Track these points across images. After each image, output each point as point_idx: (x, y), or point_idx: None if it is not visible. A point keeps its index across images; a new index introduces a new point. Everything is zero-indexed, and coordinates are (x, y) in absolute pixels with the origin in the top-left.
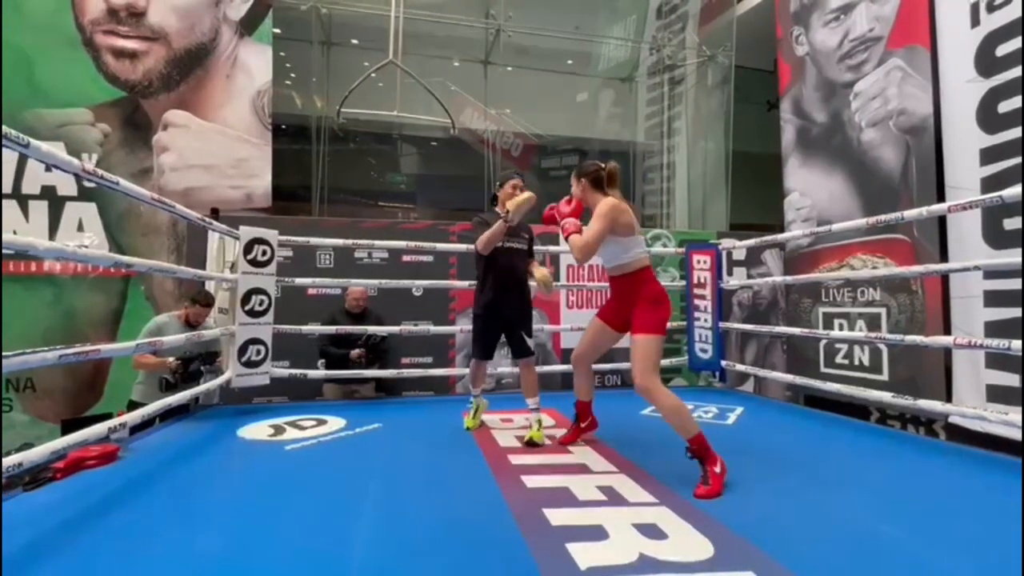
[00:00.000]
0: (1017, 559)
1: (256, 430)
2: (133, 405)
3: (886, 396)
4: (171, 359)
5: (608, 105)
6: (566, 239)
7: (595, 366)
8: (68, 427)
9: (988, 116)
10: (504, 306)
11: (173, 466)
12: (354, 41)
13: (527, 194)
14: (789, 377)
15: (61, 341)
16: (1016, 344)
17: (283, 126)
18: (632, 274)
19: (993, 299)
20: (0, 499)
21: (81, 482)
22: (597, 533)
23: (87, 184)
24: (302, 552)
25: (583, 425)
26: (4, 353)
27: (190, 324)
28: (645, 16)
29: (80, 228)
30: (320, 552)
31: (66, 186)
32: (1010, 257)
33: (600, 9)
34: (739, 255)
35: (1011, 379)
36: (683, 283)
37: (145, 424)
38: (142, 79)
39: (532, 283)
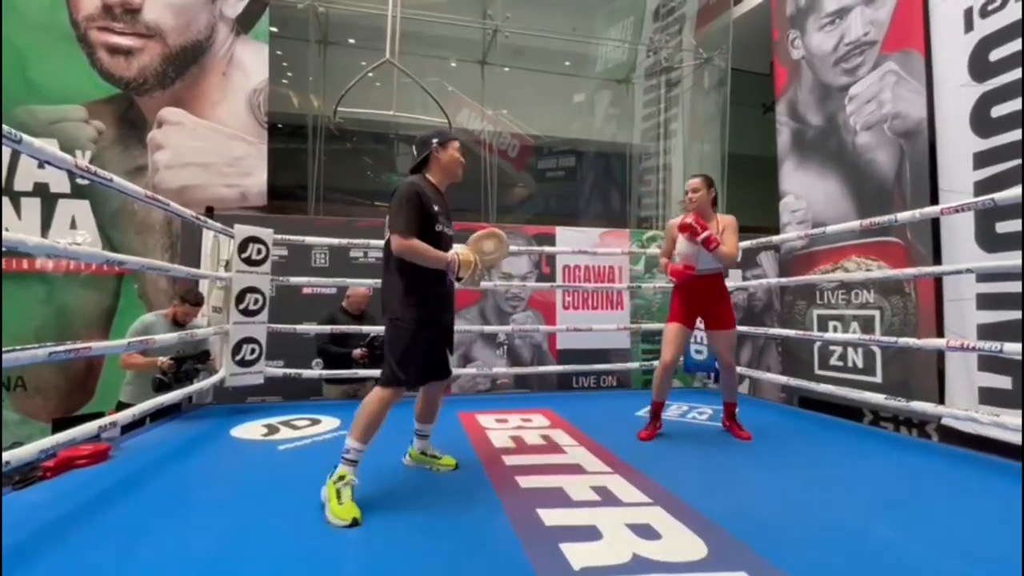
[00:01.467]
0: (1009, 560)
1: (249, 430)
2: (122, 407)
3: (879, 398)
4: (163, 359)
5: (605, 106)
6: (712, 249)
7: (592, 367)
8: (59, 426)
9: (981, 120)
10: (445, 312)
11: (165, 465)
12: (351, 40)
13: (492, 248)
14: (783, 379)
15: (53, 339)
16: (1008, 347)
17: (279, 125)
18: (719, 275)
19: (986, 302)
20: (0, 497)
21: (71, 481)
22: (591, 533)
23: (80, 182)
24: (294, 552)
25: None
26: None
27: (177, 323)
28: (642, 18)
29: (73, 226)
30: (312, 552)
31: (59, 183)
32: (1003, 260)
33: (598, 11)
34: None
35: (1003, 381)
36: None
37: (136, 423)
38: (137, 76)
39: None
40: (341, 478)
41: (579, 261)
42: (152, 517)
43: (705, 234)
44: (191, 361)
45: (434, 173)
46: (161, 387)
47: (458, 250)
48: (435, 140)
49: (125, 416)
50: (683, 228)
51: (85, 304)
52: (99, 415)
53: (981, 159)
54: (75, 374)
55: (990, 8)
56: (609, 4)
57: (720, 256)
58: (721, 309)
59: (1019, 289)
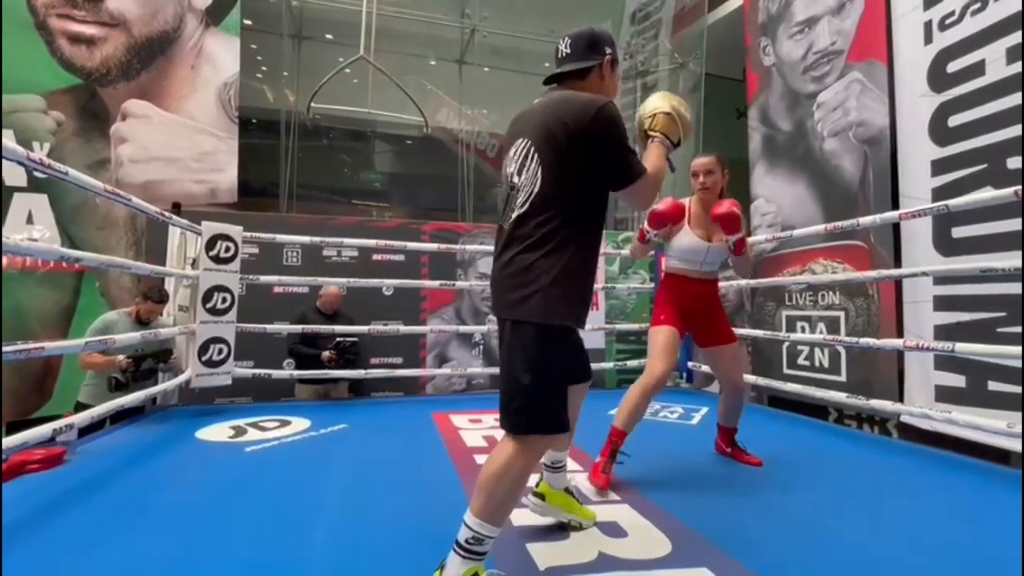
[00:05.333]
0: (961, 549)
1: (215, 432)
2: (81, 407)
3: (841, 396)
4: (121, 357)
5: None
6: (743, 253)
7: None
8: (13, 430)
9: (939, 129)
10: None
11: (123, 469)
12: (328, 36)
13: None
14: (752, 378)
15: (7, 339)
16: (960, 347)
17: (253, 120)
18: (716, 281)
19: (942, 304)
20: (0, 495)
21: (22, 486)
22: (559, 533)
23: (38, 175)
24: (257, 556)
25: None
26: None
27: (141, 321)
28: (620, 21)
29: (30, 221)
30: (276, 555)
31: (15, 176)
32: (957, 264)
33: (575, 14)
34: None
35: (958, 380)
36: (652, 286)
37: (96, 426)
38: (99, 66)
39: None
40: None
41: None
42: (108, 523)
43: (740, 235)
44: (150, 360)
45: (591, 92)
46: (118, 387)
47: (651, 120)
48: (609, 50)
49: (82, 418)
50: (725, 218)
51: (42, 302)
52: (57, 418)
53: (939, 166)
54: (30, 376)
55: (948, 22)
56: (587, 7)
57: (745, 264)
58: (719, 320)
59: (973, 291)
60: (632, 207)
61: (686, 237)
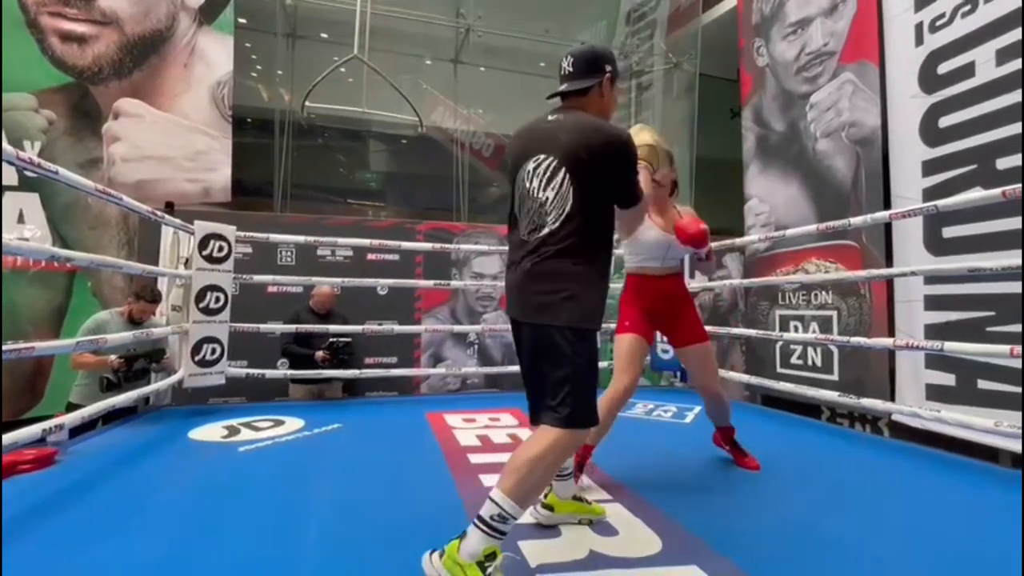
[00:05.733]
0: (951, 545)
1: (208, 432)
2: (72, 408)
3: (832, 395)
4: (113, 357)
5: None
6: (710, 260)
7: None
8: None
9: (930, 130)
10: None
11: (115, 469)
12: (324, 35)
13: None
14: (746, 377)
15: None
16: (949, 345)
17: (248, 119)
18: (680, 275)
19: (933, 303)
20: (0, 495)
21: (12, 487)
22: (550, 531)
23: (29, 174)
24: (249, 556)
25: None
26: None
27: (133, 321)
28: (615, 22)
29: (21, 220)
30: (268, 555)
31: (6, 175)
32: (947, 263)
33: (571, 14)
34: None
35: (948, 379)
36: None
37: (87, 426)
38: (91, 65)
39: None
40: (490, 556)
41: None
42: (99, 523)
43: (709, 247)
44: (142, 360)
45: (590, 109)
46: (110, 387)
47: (638, 142)
48: (609, 67)
49: (73, 418)
50: (695, 239)
51: (34, 302)
52: (48, 418)
53: (929, 167)
54: (22, 376)
55: (938, 24)
56: (583, 7)
57: (709, 269)
58: (688, 318)
59: (963, 291)
60: (625, 225)
61: (651, 232)
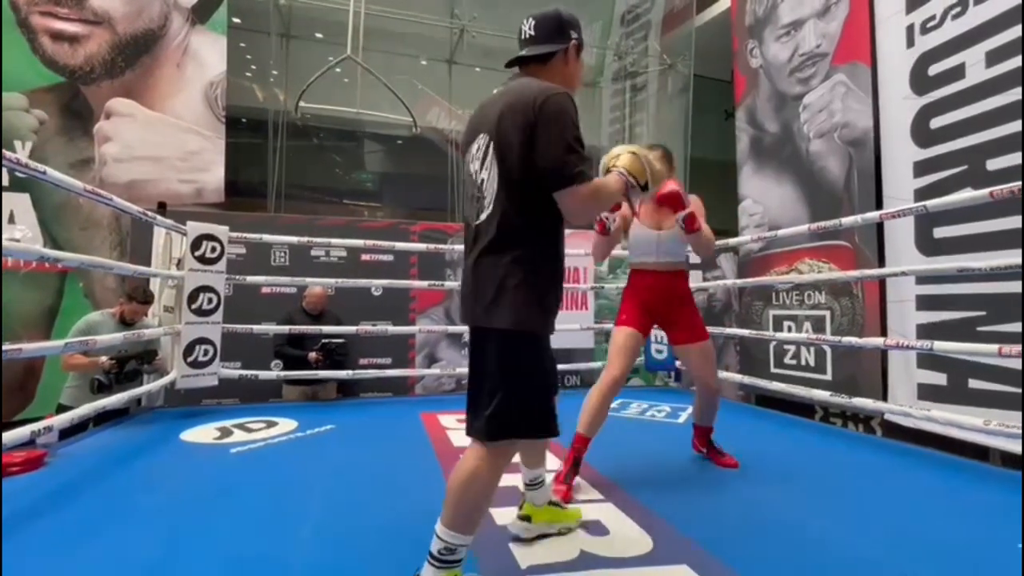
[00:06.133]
0: (941, 547)
1: (201, 433)
2: (62, 409)
3: (824, 395)
4: (104, 358)
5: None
6: (694, 231)
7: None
8: None
9: (921, 131)
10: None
11: (104, 471)
12: (319, 35)
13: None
14: (739, 377)
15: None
16: (938, 345)
17: (242, 119)
18: (682, 272)
19: (924, 303)
20: (0, 494)
21: None
22: None
23: (19, 174)
24: (238, 557)
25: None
26: None
27: (125, 322)
28: (610, 23)
29: (12, 220)
30: (258, 556)
31: None
32: (938, 264)
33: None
34: (695, 258)
35: (939, 378)
36: None
37: (78, 428)
38: (83, 64)
39: None
40: None
41: None
42: (88, 525)
43: (688, 210)
44: (134, 361)
45: (554, 79)
46: (100, 388)
47: (614, 159)
48: (575, 34)
49: (63, 420)
50: (668, 198)
51: (25, 303)
52: (38, 420)
53: (921, 168)
54: (12, 377)
55: (929, 25)
56: (577, 9)
57: (700, 241)
58: (687, 315)
59: (954, 291)
60: (565, 215)
61: (638, 229)
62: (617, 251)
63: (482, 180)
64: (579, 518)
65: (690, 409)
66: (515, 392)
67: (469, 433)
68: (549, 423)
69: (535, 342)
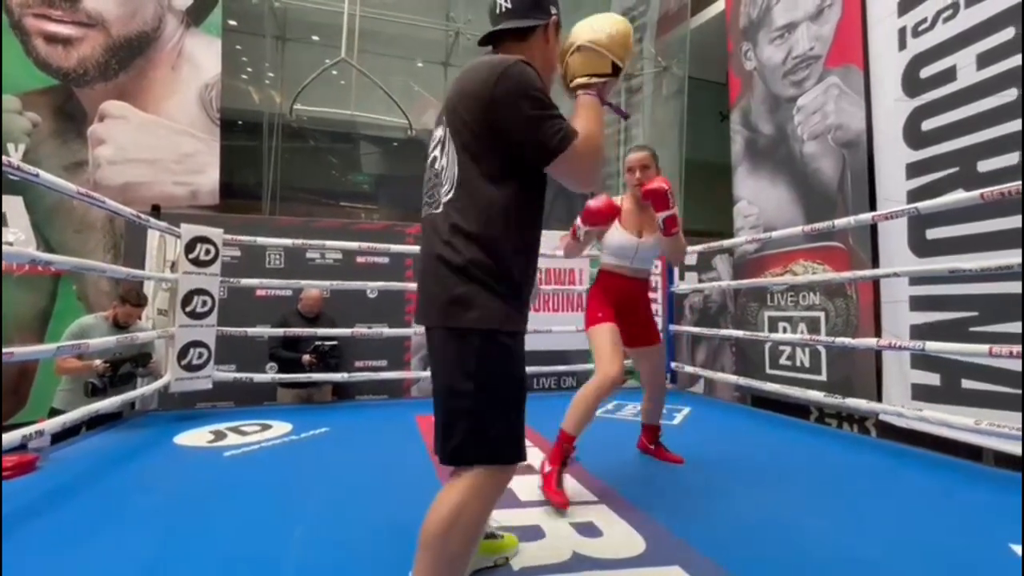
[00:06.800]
0: (934, 547)
1: (194, 436)
2: (55, 413)
3: (819, 395)
4: (98, 362)
5: (569, 111)
6: (673, 234)
7: (552, 368)
8: None
9: (913, 133)
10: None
11: (96, 475)
12: (314, 38)
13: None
14: (735, 378)
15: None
16: (930, 345)
17: (238, 122)
18: (648, 281)
19: (918, 304)
20: (0, 495)
21: None
22: (535, 533)
23: (12, 177)
24: (232, 560)
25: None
26: None
27: (119, 325)
28: None
29: (5, 223)
30: (252, 559)
31: None
32: (930, 264)
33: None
34: (690, 260)
35: (933, 378)
36: None
37: (71, 432)
38: (76, 67)
39: None
40: None
41: (540, 263)
42: (79, 529)
43: (671, 211)
44: (128, 364)
45: (533, 59)
46: (94, 392)
47: (564, 52)
48: (555, 10)
49: (54, 424)
50: (654, 194)
51: (18, 306)
52: (31, 424)
53: (913, 169)
54: (5, 380)
55: (921, 28)
56: (572, 11)
57: (677, 245)
58: (648, 320)
59: (947, 291)
60: (570, 187)
61: (617, 234)
62: None
63: (441, 167)
64: (516, 546)
65: (686, 411)
66: (494, 404)
67: (443, 461)
68: (520, 448)
69: (510, 343)
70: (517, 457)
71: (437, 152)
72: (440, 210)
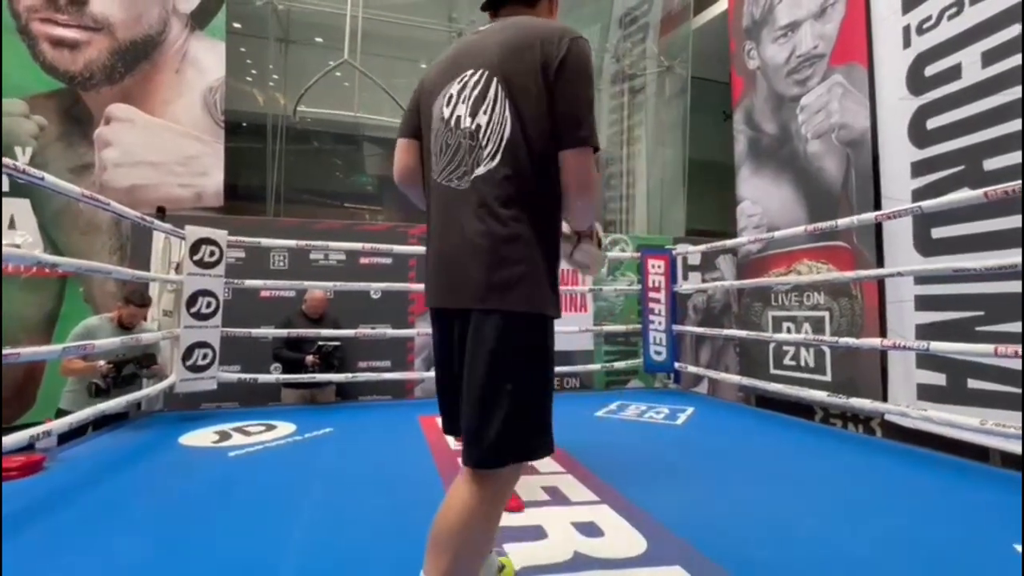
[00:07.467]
0: (941, 552)
1: (199, 437)
2: (62, 414)
3: (822, 395)
4: (102, 362)
5: None
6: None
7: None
8: None
9: (918, 132)
10: None
11: (102, 475)
12: (317, 40)
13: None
14: (739, 379)
15: None
16: (934, 345)
17: (242, 124)
18: None
19: (923, 304)
20: (0, 496)
21: None
22: (536, 533)
23: (19, 180)
24: (232, 560)
25: None
26: None
27: (123, 326)
28: (608, 25)
29: (12, 225)
30: (252, 560)
31: None
32: (935, 264)
33: (563, 17)
34: (694, 260)
35: (939, 379)
36: (639, 287)
37: (77, 432)
38: (83, 70)
39: None
40: None
41: None
42: (85, 528)
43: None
44: (132, 365)
45: None
46: (99, 392)
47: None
48: None
49: (61, 424)
50: None
51: (25, 308)
52: (38, 424)
53: (918, 168)
54: (12, 382)
55: (925, 26)
56: (576, 11)
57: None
58: None
59: (953, 291)
60: (566, 181)
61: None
62: (616, 253)
63: (478, 125)
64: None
65: (689, 411)
66: (539, 394)
67: (467, 462)
68: (552, 439)
69: (549, 329)
70: (551, 449)
71: (464, 108)
72: (478, 175)
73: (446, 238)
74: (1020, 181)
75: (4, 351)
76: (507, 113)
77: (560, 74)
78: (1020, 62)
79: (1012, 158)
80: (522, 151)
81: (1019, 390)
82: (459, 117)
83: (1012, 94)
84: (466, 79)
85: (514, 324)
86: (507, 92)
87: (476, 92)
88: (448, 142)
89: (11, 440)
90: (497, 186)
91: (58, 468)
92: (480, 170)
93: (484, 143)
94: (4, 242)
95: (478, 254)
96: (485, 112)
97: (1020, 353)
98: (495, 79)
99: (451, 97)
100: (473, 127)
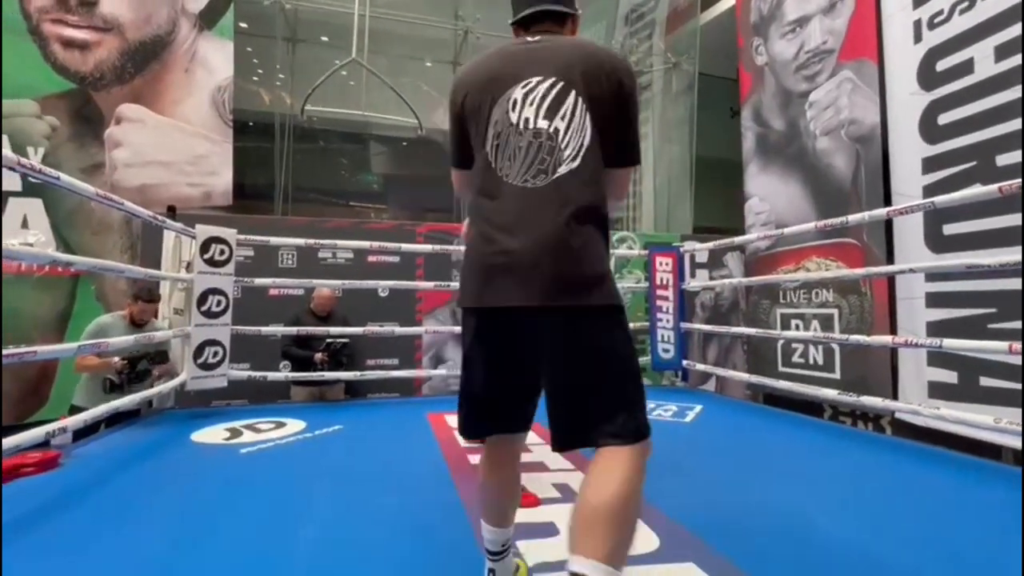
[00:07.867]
0: (952, 547)
1: (211, 434)
2: (75, 410)
3: (832, 393)
4: (116, 359)
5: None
6: None
7: None
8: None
9: (929, 127)
10: None
11: (117, 472)
12: (324, 38)
13: None
14: (747, 376)
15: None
16: (948, 342)
17: (250, 123)
18: None
19: (935, 300)
20: (0, 496)
21: (15, 489)
22: (548, 530)
23: (34, 180)
24: (245, 557)
25: None
26: None
27: (135, 323)
28: (614, 22)
29: (25, 225)
30: (267, 556)
31: (10, 181)
32: (947, 260)
33: None
34: (701, 257)
35: (950, 376)
36: (646, 285)
37: (91, 429)
38: (93, 71)
39: None
40: None
41: None
42: (101, 524)
43: None
44: (144, 361)
45: None
46: (112, 388)
47: None
48: (578, 8)
49: (76, 421)
50: None
51: (38, 307)
52: (52, 422)
53: (929, 164)
54: (27, 379)
55: (936, 21)
56: (582, 8)
57: None
58: None
59: (965, 288)
60: (611, 191)
61: None
62: (623, 251)
63: (556, 129)
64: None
65: (697, 408)
66: (636, 377)
67: (615, 438)
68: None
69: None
70: (650, 429)
71: (532, 112)
72: (560, 175)
73: (521, 236)
74: (1020, 180)
75: (21, 349)
76: (586, 122)
77: (628, 104)
78: (1022, 62)
79: None
80: (595, 159)
81: (1021, 387)
82: (527, 119)
83: None
84: (532, 85)
85: (614, 315)
86: (587, 105)
87: (550, 98)
88: (519, 144)
89: (27, 436)
90: (579, 187)
91: (73, 464)
92: (562, 169)
93: (564, 145)
94: (18, 241)
95: (570, 251)
96: (563, 118)
97: (1018, 350)
98: (573, 91)
99: (516, 101)
100: (551, 129)
